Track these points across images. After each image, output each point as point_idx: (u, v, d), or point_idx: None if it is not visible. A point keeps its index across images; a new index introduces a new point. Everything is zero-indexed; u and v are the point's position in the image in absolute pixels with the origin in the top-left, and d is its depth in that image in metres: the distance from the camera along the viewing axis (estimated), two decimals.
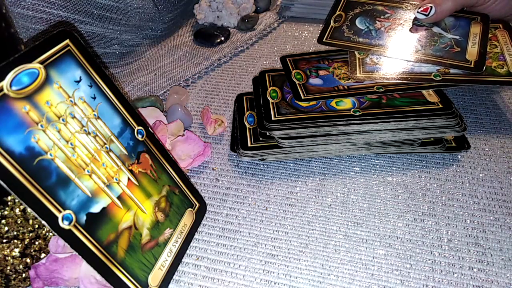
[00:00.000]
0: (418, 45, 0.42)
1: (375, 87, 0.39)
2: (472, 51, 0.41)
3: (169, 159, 0.32)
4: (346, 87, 0.40)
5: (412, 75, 0.40)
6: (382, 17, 0.46)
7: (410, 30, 0.44)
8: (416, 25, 0.44)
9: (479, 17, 0.44)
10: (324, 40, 0.45)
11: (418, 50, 0.42)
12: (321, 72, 0.42)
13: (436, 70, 0.40)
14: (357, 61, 0.43)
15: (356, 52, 0.43)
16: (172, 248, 0.31)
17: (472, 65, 0.40)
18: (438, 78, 0.39)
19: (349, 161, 0.40)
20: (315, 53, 0.46)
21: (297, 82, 0.41)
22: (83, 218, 0.25)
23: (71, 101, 0.25)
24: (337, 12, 0.48)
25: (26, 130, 0.23)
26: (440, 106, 0.37)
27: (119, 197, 0.27)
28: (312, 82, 0.41)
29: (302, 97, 0.39)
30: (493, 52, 0.42)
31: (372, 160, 0.40)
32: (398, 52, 0.42)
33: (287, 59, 0.45)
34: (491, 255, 0.31)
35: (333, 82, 0.41)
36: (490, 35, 0.43)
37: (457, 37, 0.42)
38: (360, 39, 0.44)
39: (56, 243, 0.30)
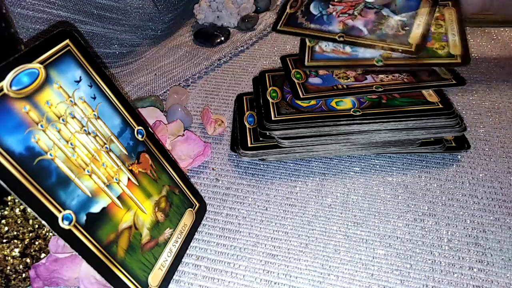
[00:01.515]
0: (364, 30, 0.42)
1: (374, 86, 0.39)
2: (416, 33, 0.41)
3: (169, 159, 0.32)
4: (345, 86, 0.40)
5: (356, 61, 0.41)
6: (335, 0, 0.46)
7: (361, 14, 0.44)
8: (367, 7, 0.44)
9: None
10: (278, 28, 0.46)
11: (364, 35, 0.42)
12: (321, 72, 0.42)
13: (379, 55, 0.41)
14: (307, 49, 0.43)
15: (306, 40, 0.44)
16: (172, 248, 0.31)
17: (412, 49, 0.40)
18: (380, 64, 0.40)
19: (349, 161, 0.40)
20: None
21: (296, 81, 0.41)
22: (83, 218, 0.25)
23: (71, 101, 0.25)
24: None
25: (26, 130, 0.23)
26: (440, 106, 0.37)
27: (119, 197, 0.27)
28: (311, 81, 0.41)
29: (301, 96, 0.39)
30: (437, 32, 0.42)
31: (372, 160, 0.40)
32: (345, 38, 0.43)
33: (287, 58, 0.45)
34: (491, 255, 0.31)
35: (332, 81, 0.41)
36: (437, 14, 0.43)
37: (404, 19, 0.42)
38: (312, 25, 0.44)
39: (56, 243, 0.30)
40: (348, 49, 0.42)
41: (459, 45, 0.41)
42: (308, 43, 0.44)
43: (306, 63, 0.42)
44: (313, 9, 0.45)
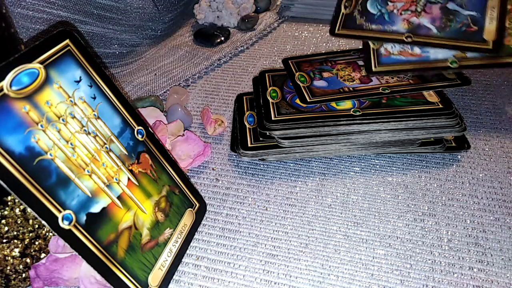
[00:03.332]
0: (433, 28, 0.39)
1: (380, 88, 0.39)
2: (490, 28, 0.37)
3: (169, 159, 0.32)
4: (351, 88, 0.39)
5: (428, 64, 0.38)
6: None
7: (425, 10, 0.40)
8: (430, 2, 0.40)
9: None
10: (336, 31, 0.42)
11: (433, 34, 0.39)
12: (325, 74, 0.42)
13: (452, 55, 0.38)
14: (371, 53, 0.40)
15: (370, 43, 0.41)
16: (172, 248, 0.31)
17: (490, 46, 0.37)
18: (455, 65, 0.37)
19: (349, 161, 0.39)
20: (316, 54, 0.46)
21: (301, 84, 0.41)
22: (83, 218, 0.25)
23: (71, 101, 0.25)
24: None
25: (26, 130, 0.23)
26: (440, 106, 0.37)
27: (119, 197, 0.27)
28: (316, 84, 0.41)
29: (308, 100, 0.39)
30: None
31: (372, 160, 0.40)
32: (413, 38, 0.39)
33: (289, 61, 0.45)
34: (491, 255, 0.31)
35: (338, 84, 0.40)
36: (509, 7, 0.39)
37: (474, 13, 0.38)
38: (373, 26, 0.41)
39: (56, 243, 0.30)
40: (417, 50, 0.40)
41: None
42: (372, 45, 0.40)
43: (373, 68, 0.39)
44: (370, 7, 0.42)
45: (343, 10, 0.44)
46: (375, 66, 0.39)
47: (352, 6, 0.43)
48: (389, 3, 0.42)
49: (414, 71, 0.39)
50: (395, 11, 0.41)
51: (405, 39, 0.40)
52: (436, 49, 0.39)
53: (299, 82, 0.41)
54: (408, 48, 0.40)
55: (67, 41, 0.26)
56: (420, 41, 0.39)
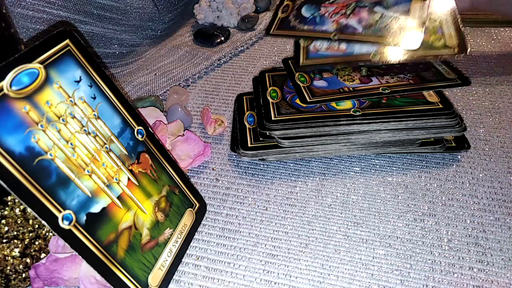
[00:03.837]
0: (359, 27, 0.42)
1: (380, 88, 0.39)
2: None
3: (169, 159, 0.32)
4: (351, 88, 0.40)
5: (352, 57, 0.41)
6: (327, 2, 0.45)
7: (353, 13, 0.43)
8: (359, 6, 0.43)
9: None
10: (271, 32, 0.46)
11: (358, 32, 0.42)
12: (325, 74, 0.42)
13: (375, 50, 0.40)
14: (301, 49, 0.43)
15: (300, 40, 0.44)
16: (172, 248, 0.31)
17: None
18: (376, 58, 0.40)
19: (349, 161, 0.40)
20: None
21: (301, 84, 0.41)
22: (83, 218, 0.25)
23: (71, 101, 0.25)
24: (285, 2, 0.48)
25: (26, 130, 0.23)
26: (440, 106, 0.37)
27: (119, 197, 0.27)
28: (316, 84, 0.41)
29: (308, 100, 0.39)
30: (432, 26, 0.41)
31: (372, 160, 0.40)
32: (340, 36, 0.42)
33: (289, 61, 0.45)
34: (491, 255, 0.31)
35: (338, 84, 0.41)
36: (430, 9, 0.43)
37: (398, 15, 0.42)
38: (305, 27, 0.44)
39: (56, 243, 0.30)
40: (343, 46, 0.42)
41: (455, 36, 0.40)
42: (302, 44, 0.43)
43: (301, 62, 0.42)
44: (305, 12, 0.45)
45: (279, 14, 0.47)
46: (302, 61, 0.42)
47: (288, 11, 0.47)
48: (322, 8, 0.45)
49: (339, 64, 0.42)
50: (326, 14, 0.44)
51: (332, 37, 0.42)
52: (361, 45, 0.41)
53: (299, 82, 0.41)
54: (335, 45, 0.43)
55: (67, 41, 0.26)
56: (345, 39, 0.42)
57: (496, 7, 0.50)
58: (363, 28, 0.41)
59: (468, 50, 0.39)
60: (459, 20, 0.41)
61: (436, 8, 0.42)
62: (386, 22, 0.41)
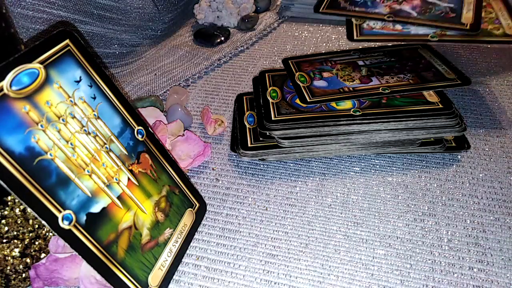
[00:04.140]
0: (413, 12, 0.42)
1: (380, 88, 0.39)
2: (468, 15, 0.41)
3: (169, 159, 0.32)
4: (351, 88, 0.40)
5: (408, 37, 0.41)
6: None
7: (406, 1, 0.44)
8: None
9: None
10: (321, 10, 0.45)
11: (413, 16, 0.42)
12: (325, 74, 0.42)
13: (433, 32, 0.41)
14: (354, 27, 0.43)
15: (353, 19, 0.43)
16: (172, 248, 0.31)
17: (468, 27, 0.41)
18: (435, 39, 0.40)
19: (349, 161, 0.40)
20: (316, 54, 0.46)
21: (301, 84, 0.41)
22: (83, 218, 0.25)
23: (71, 101, 0.25)
24: None
25: (26, 130, 0.23)
26: (440, 106, 0.37)
27: (119, 197, 0.27)
28: (316, 84, 0.41)
29: (308, 100, 0.39)
30: (489, 17, 0.42)
31: (372, 160, 0.40)
32: (394, 18, 0.42)
33: (289, 61, 0.45)
34: (491, 255, 0.31)
35: (338, 84, 0.41)
36: (484, 3, 0.44)
37: (452, 5, 0.43)
38: (356, 9, 0.44)
39: (56, 243, 0.30)
40: (398, 26, 0.42)
41: None
42: (354, 21, 0.43)
43: (355, 37, 0.41)
44: None
45: None
46: (356, 36, 0.42)
47: None
48: None
49: (395, 41, 0.41)
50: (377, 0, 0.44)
51: (386, 18, 0.42)
52: (417, 27, 0.42)
53: (299, 82, 0.41)
54: (390, 25, 0.43)
55: (67, 41, 0.26)
56: (401, 20, 0.42)
57: None
58: (418, 14, 0.42)
59: None
60: None
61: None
62: (441, 10, 0.42)
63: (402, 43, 0.42)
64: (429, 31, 0.41)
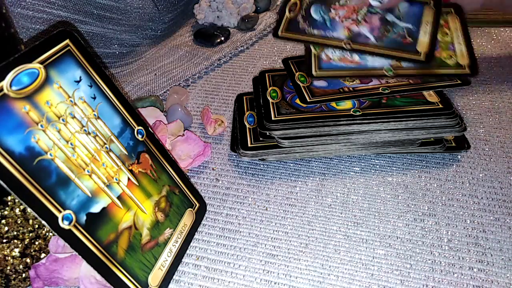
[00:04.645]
0: (371, 37, 0.42)
1: (380, 88, 0.39)
2: (423, 41, 0.41)
3: (169, 159, 0.32)
4: (351, 88, 0.40)
5: (366, 71, 0.41)
6: (337, 3, 0.44)
7: (365, 19, 0.43)
8: (370, 12, 0.43)
9: (432, 1, 0.43)
10: (279, 34, 0.44)
11: (371, 42, 0.42)
12: None
13: (388, 64, 0.41)
14: (312, 57, 0.42)
15: (311, 47, 0.43)
16: (172, 248, 0.31)
17: (422, 58, 0.40)
18: (391, 73, 0.40)
19: (349, 161, 0.39)
20: None
21: (301, 84, 0.41)
22: (83, 218, 0.25)
23: (71, 101, 0.25)
24: (292, 0, 0.46)
25: (26, 130, 0.23)
26: (440, 106, 0.37)
27: (119, 197, 0.27)
28: (316, 84, 0.41)
29: (308, 100, 0.39)
30: (444, 41, 0.42)
31: (372, 160, 0.40)
32: (352, 45, 0.42)
33: (289, 61, 0.45)
34: (491, 255, 0.31)
35: (338, 84, 0.41)
36: (442, 22, 0.43)
37: (410, 26, 0.42)
38: (315, 31, 0.43)
39: (56, 243, 0.30)
40: (356, 57, 0.42)
41: (466, 55, 0.41)
42: (313, 51, 0.42)
43: (313, 72, 0.41)
44: (314, 13, 0.44)
45: (287, 14, 0.45)
46: (315, 71, 0.41)
47: (296, 11, 0.45)
48: (332, 10, 0.44)
49: (353, 77, 0.41)
50: (337, 18, 0.43)
51: (344, 45, 0.42)
52: (374, 57, 0.41)
53: (299, 82, 0.41)
54: (347, 55, 0.42)
55: (67, 41, 0.26)
56: (358, 49, 0.42)
57: (508, 7, 0.50)
58: (376, 39, 0.42)
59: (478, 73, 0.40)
60: (470, 37, 0.42)
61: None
62: (398, 32, 0.41)
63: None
64: (385, 62, 0.41)
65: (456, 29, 0.42)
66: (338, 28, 0.43)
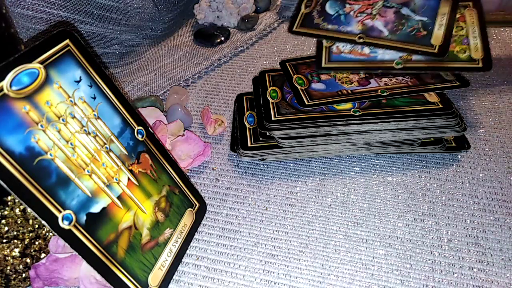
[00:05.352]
0: (385, 31, 0.42)
1: (379, 90, 0.39)
2: (438, 34, 0.40)
3: (169, 159, 0.32)
4: (350, 91, 0.39)
5: (375, 63, 0.40)
6: None
7: (379, 13, 0.43)
8: (385, 6, 0.43)
9: None
10: (294, 29, 0.44)
11: (384, 36, 0.41)
12: (323, 77, 0.42)
13: (399, 57, 0.40)
14: (323, 50, 0.42)
15: (323, 41, 0.43)
16: (172, 248, 0.31)
17: (435, 51, 0.40)
18: (399, 66, 0.40)
19: (349, 161, 0.39)
20: (314, 57, 0.46)
21: (299, 87, 0.41)
22: (83, 218, 0.25)
23: (71, 101, 0.25)
24: None
25: (26, 130, 0.23)
26: (440, 106, 0.37)
27: (119, 197, 0.27)
28: (314, 87, 0.41)
29: (306, 103, 0.39)
30: (459, 34, 0.41)
31: (372, 160, 0.40)
32: (365, 39, 0.42)
33: (287, 63, 0.45)
34: (491, 255, 0.31)
35: (336, 86, 0.40)
36: (458, 15, 0.42)
37: (425, 19, 0.41)
38: (329, 26, 0.43)
39: (56, 243, 0.30)
40: (366, 50, 0.42)
41: (481, 49, 0.40)
42: (325, 44, 0.43)
43: (323, 64, 0.41)
44: (329, 8, 0.44)
45: (303, 9, 0.46)
46: (325, 62, 0.42)
47: (312, 6, 0.45)
48: (347, 5, 0.44)
49: (362, 69, 0.41)
50: (351, 13, 0.43)
51: (357, 39, 0.42)
52: (385, 50, 0.41)
53: (297, 85, 0.41)
54: (358, 48, 0.42)
55: (67, 41, 0.26)
56: (370, 42, 0.42)
57: None
58: (389, 32, 0.41)
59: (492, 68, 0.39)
60: (487, 32, 0.41)
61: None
62: (413, 26, 0.41)
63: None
64: (395, 56, 0.41)
65: (473, 22, 0.42)
66: (352, 22, 0.43)
